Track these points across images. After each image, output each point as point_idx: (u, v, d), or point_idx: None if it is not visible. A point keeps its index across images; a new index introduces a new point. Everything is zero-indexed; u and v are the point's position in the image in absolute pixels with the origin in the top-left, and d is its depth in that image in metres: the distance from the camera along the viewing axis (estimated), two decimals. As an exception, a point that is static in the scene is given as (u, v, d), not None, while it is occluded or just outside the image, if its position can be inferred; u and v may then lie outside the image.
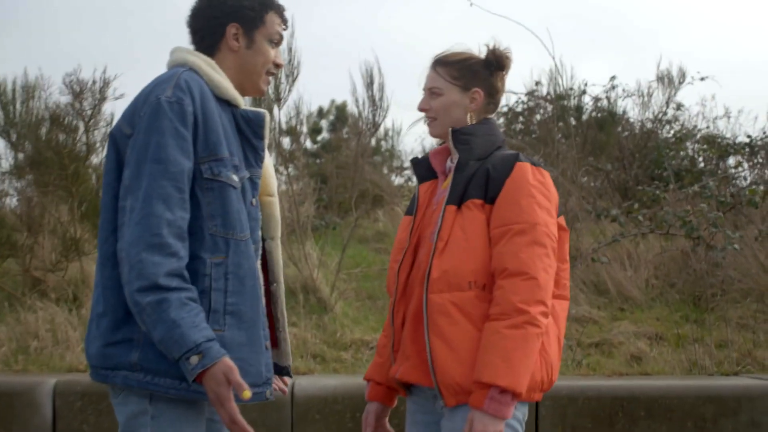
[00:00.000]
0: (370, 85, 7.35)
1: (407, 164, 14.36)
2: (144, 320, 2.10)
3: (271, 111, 7.15)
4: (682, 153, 11.38)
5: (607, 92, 11.92)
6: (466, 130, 2.69)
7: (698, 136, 11.76)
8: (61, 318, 6.46)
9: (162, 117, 2.17)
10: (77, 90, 6.86)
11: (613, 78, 11.89)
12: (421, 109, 2.81)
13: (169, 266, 2.10)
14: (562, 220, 2.70)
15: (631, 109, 12.08)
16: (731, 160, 11.27)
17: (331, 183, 10.68)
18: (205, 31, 2.45)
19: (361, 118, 7.42)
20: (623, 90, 11.94)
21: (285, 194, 8.31)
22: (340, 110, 14.55)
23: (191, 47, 2.49)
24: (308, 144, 14.08)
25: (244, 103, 2.50)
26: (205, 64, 2.37)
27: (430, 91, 2.77)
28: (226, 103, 2.40)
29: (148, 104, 2.20)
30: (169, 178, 2.14)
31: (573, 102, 11.58)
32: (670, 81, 11.51)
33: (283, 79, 7.10)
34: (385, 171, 13.23)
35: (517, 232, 2.47)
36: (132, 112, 2.25)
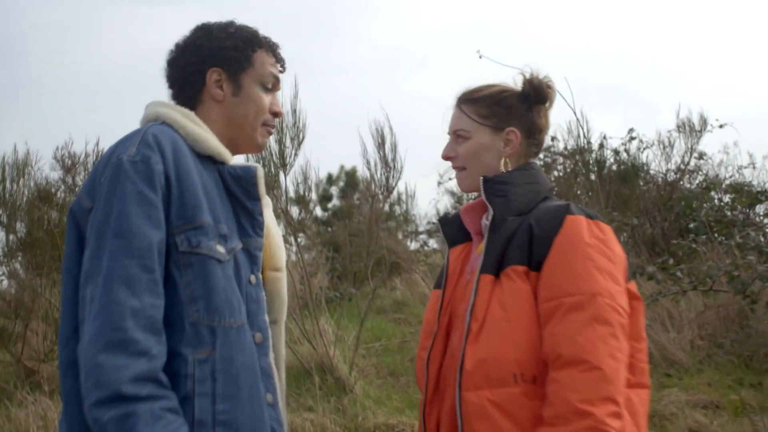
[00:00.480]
0: (381, 145, 6.86)
1: (423, 228, 13.93)
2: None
3: (276, 177, 6.64)
4: (706, 204, 10.88)
5: (625, 144, 11.61)
6: (501, 178, 2.19)
7: (724, 185, 11.32)
8: (54, 413, 5.88)
9: (124, 180, 1.79)
10: (69, 164, 6.40)
11: (631, 130, 11.62)
12: (445, 158, 2.33)
13: (137, 369, 1.66)
14: (633, 286, 2.14)
15: (652, 160, 11.77)
16: (760, 208, 10.77)
17: (344, 251, 10.17)
18: (183, 81, 2.10)
19: (374, 181, 6.89)
20: (641, 141, 11.65)
21: (296, 266, 7.78)
22: (350, 176, 14.20)
23: (170, 102, 2.11)
24: (318, 212, 13.67)
25: (233, 159, 2.09)
26: (181, 115, 2.01)
27: (456, 135, 2.30)
28: (210, 161, 2.01)
29: (109, 167, 1.83)
30: (134, 255, 1.74)
31: (593, 156, 11.14)
32: (691, 129, 11.15)
33: (288, 143, 6.61)
34: (400, 236, 12.73)
35: (573, 306, 1.95)
36: (92, 180, 1.87)
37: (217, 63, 2.06)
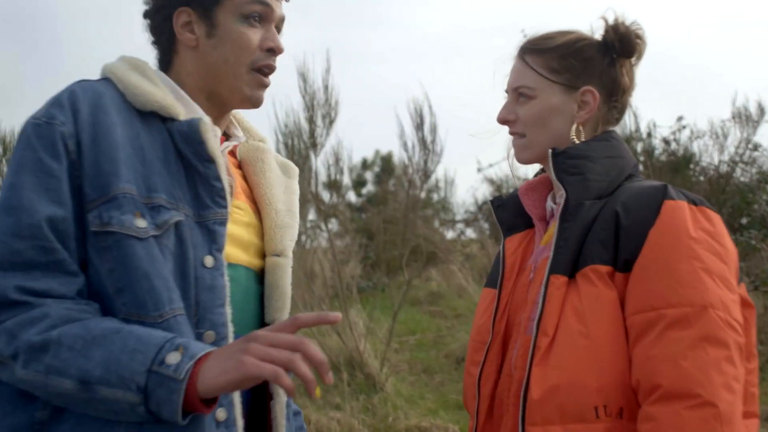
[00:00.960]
0: (420, 125, 6.40)
1: (460, 216, 13.48)
2: (32, 379, 1.40)
3: (306, 158, 6.21)
4: (765, 197, 10.28)
5: (674, 133, 11.05)
6: (575, 151, 1.73)
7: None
8: None
9: (24, 146, 1.51)
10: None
11: (680, 118, 11.02)
12: (501, 120, 1.86)
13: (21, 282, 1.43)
14: (743, 289, 1.69)
15: (704, 150, 11.18)
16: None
17: (378, 239, 9.75)
18: (153, 32, 1.75)
19: (411, 164, 6.43)
20: (692, 131, 11.08)
21: (326, 253, 7.38)
22: (386, 161, 13.78)
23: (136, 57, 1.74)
24: (352, 197, 13.27)
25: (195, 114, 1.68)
26: (127, 66, 1.68)
27: (516, 93, 1.83)
28: (158, 118, 1.63)
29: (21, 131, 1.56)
30: (25, 234, 1.44)
31: (642, 144, 10.59)
32: (747, 118, 10.54)
33: (319, 122, 6.16)
34: (437, 225, 12.30)
35: (676, 321, 1.54)
36: None
37: (184, 1, 1.68)
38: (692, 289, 1.53)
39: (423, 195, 9.94)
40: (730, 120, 10.75)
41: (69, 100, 1.53)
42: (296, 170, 1.92)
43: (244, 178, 1.81)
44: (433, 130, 6.40)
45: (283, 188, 1.84)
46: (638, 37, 1.82)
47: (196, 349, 1.38)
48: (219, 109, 1.73)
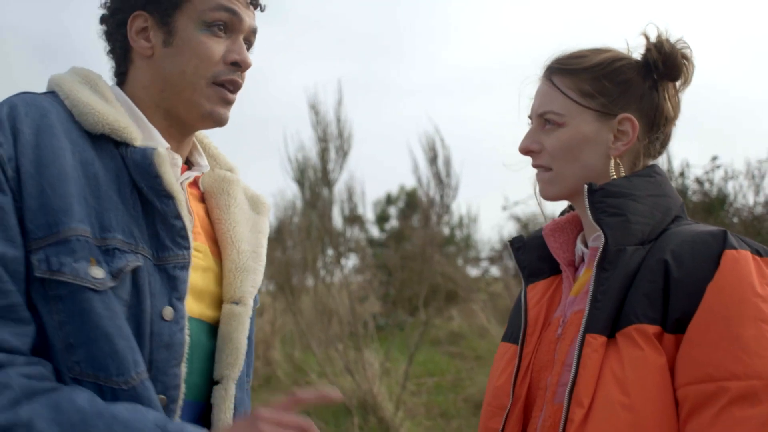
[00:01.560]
0: (433, 159, 6.19)
1: (485, 254, 13.20)
2: None
3: (319, 193, 6.01)
4: (801, 240, 9.94)
5: (708, 173, 10.76)
6: (615, 188, 1.47)
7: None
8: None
9: None
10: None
11: (714, 158, 10.72)
12: (524, 151, 1.60)
13: None
14: None
15: (738, 191, 10.88)
16: None
17: (398, 276, 9.53)
18: (107, 39, 1.54)
19: (427, 199, 6.22)
20: (726, 171, 10.78)
21: (343, 289, 7.16)
22: (410, 196, 13.57)
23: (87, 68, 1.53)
24: (375, 232, 13.08)
25: (153, 140, 1.47)
26: (77, 79, 1.47)
27: (542, 119, 1.57)
28: (111, 142, 1.40)
29: None
30: None
31: (674, 185, 10.33)
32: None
33: (333, 154, 5.97)
34: (460, 262, 12.05)
35: (741, 396, 1.29)
36: None
37: (140, 4, 1.48)
38: (760, 359, 1.29)
39: (446, 231, 9.71)
40: (766, 160, 10.47)
41: (8, 117, 1.31)
42: (268, 206, 1.69)
43: (207, 212, 1.59)
44: (447, 163, 6.20)
45: (249, 226, 1.61)
46: (685, 57, 1.57)
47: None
48: (179, 130, 1.52)
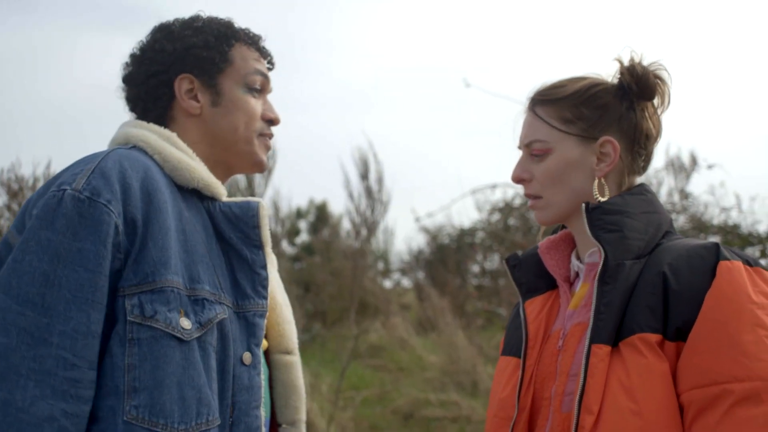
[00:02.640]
0: (365, 175, 6.22)
1: (396, 266, 13.30)
2: None
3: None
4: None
5: (609, 182, 11.19)
6: (611, 206, 1.55)
7: (712, 226, 10.91)
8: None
9: (58, 224, 1.31)
10: (15, 188, 5.64)
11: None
12: (516, 179, 1.69)
13: None
14: None
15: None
16: (753, 251, 10.36)
17: (319, 291, 9.50)
18: (147, 98, 1.64)
19: (358, 215, 6.24)
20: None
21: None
22: (321, 210, 13.54)
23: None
24: (285, 247, 12.97)
25: (225, 194, 1.62)
26: (157, 136, 1.56)
27: (530, 149, 1.66)
28: (196, 195, 1.54)
29: (45, 198, 1.36)
30: (52, 342, 1.27)
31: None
32: (681, 168, 10.73)
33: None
34: (373, 274, 12.10)
35: (744, 397, 1.36)
36: (23, 212, 1.43)
37: (186, 68, 1.63)
38: (760, 362, 1.37)
39: (365, 245, 9.77)
40: (663, 169, 10.95)
41: (117, 172, 1.37)
42: (275, 258, 1.79)
43: None
44: (380, 179, 6.24)
45: (277, 279, 1.72)
46: (657, 77, 1.65)
47: None
48: (222, 177, 1.66)
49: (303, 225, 14.26)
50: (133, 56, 1.67)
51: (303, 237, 14.15)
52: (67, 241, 1.30)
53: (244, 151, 1.63)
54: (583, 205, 1.56)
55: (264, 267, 1.52)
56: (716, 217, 10.87)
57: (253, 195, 6.13)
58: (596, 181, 1.60)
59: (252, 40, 1.70)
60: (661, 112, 1.69)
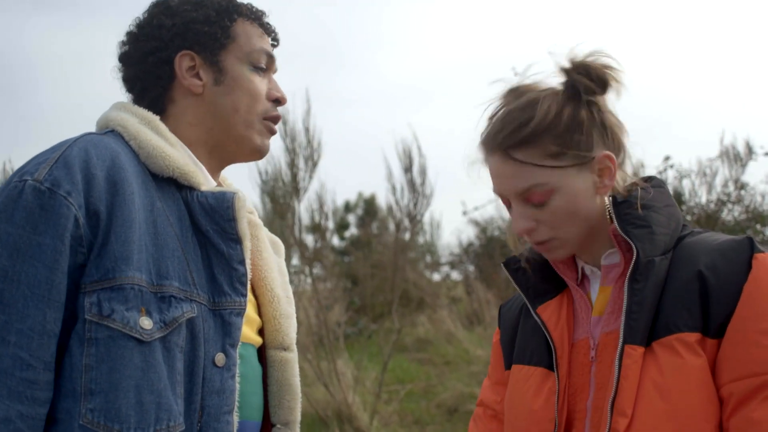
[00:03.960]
0: (409, 167, 6.17)
1: (445, 259, 13.23)
2: None
3: (289, 204, 5.95)
4: (757, 238, 10.15)
5: (661, 173, 10.92)
6: (639, 200, 1.47)
7: (769, 217, 10.59)
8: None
9: (17, 218, 1.25)
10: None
11: (667, 158, 10.90)
12: (525, 233, 1.53)
13: None
14: None
15: (691, 190, 11.05)
16: (811, 243, 10.03)
17: (364, 284, 9.49)
18: (145, 77, 1.55)
19: (399, 208, 6.19)
20: (677, 171, 10.95)
21: (311, 299, 7.10)
22: (369, 203, 13.53)
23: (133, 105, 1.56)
24: (335, 241, 13.02)
25: (208, 183, 1.53)
26: (137, 120, 1.48)
27: (525, 199, 1.51)
28: (173, 185, 1.45)
29: (7, 190, 1.29)
30: (9, 341, 1.21)
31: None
32: (736, 157, 10.43)
33: (302, 165, 5.91)
34: (422, 267, 12.06)
35: None
36: None
37: (186, 44, 1.53)
38: None
39: (408, 238, 9.73)
40: (717, 159, 10.66)
41: (81, 163, 1.30)
42: (283, 247, 1.73)
43: None
44: (423, 171, 6.18)
45: (277, 270, 1.63)
46: (606, 67, 1.52)
47: None
48: (219, 164, 1.59)
49: (352, 219, 14.26)
50: (129, 34, 1.58)
51: (352, 230, 14.16)
52: (26, 235, 1.24)
53: (242, 136, 1.55)
54: (609, 198, 1.49)
55: (242, 262, 1.43)
56: (768, 208, 10.61)
57: (297, 188, 6.12)
58: (607, 199, 1.51)
59: (255, 16, 1.62)
60: (619, 98, 1.54)
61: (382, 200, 11.69)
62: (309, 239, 8.25)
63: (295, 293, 7.22)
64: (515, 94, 1.55)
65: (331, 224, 9.23)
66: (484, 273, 10.92)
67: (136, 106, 1.52)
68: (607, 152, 1.50)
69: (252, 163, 6.49)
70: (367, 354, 7.45)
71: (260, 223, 1.62)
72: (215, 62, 1.54)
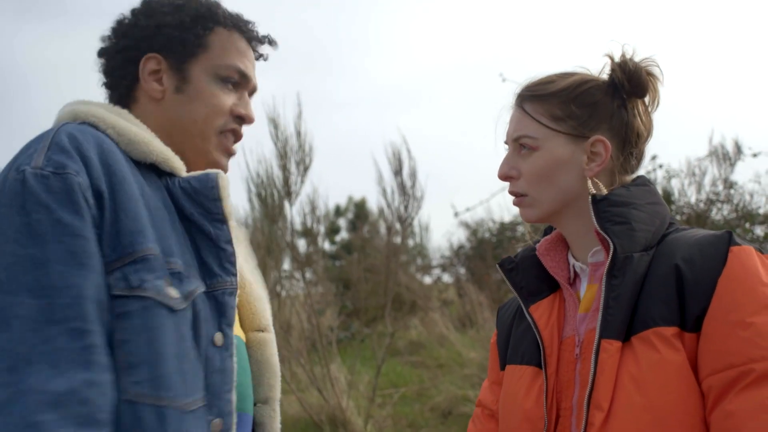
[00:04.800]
0: (399, 171, 6.17)
1: (436, 262, 13.23)
2: None
3: (281, 207, 5.94)
4: (747, 236, 10.19)
5: (649, 173, 10.95)
6: (618, 197, 1.52)
7: (759, 216, 10.64)
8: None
9: (31, 205, 1.22)
10: None
11: (654, 157, 10.93)
12: (503, 177, 1.64)
13: None
14: None
15: (680, 190, 11.08)
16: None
17: (357, 288, 9.49)
18: (114, 73, 1.55)
19: (391, 211, 6.19)
20: (667, 171, 10.99)
21: (303, 303, 7.08)
22: (359, 207, 13.54)
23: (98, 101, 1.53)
24: (326, 245, 12.99)
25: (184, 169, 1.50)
26: (107, 111, 1.45)
27: (517, 144, 1.62)
28: (153, 171, 1.43)
29: (6, 187, 1.26)
30: (57, 319, 1.17)
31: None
32: (725, 157, 10.47)
33: (294, 169, 5.90)
34: (413, 270, 12.05)
35: (763, 376, 1.31)
36: None
37: (154, 47, 1.52)
38: None
39: (400, 241, 9.74)
40: (706, 158, 10.69)
41: (73, 146, 1.28)
42: (247, 234, 1.74)
43: None
44: (413, 174, 6.18)
45: (244, 256, 1.63)
46: (650, 74, 1.60)
47: None
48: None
49: (342, 223, 14.26)
50: (111, 28, 1.57)
51: (343, 234, 14.15)
52: (43, 218, 1.21)
53: (199, 148, 1.52)
54: (590, 196, 1.51)
55: (229, 242, 1.42)
56: (763, 207, 10.66)
57: (289, 192, 6.10)
58: (589, 181, 1.56)
59: (238, 27, 1.57)
60: (652, 111, 1.65)
61: (373, 204, 11.71)
62: (301, 243, 8.25)
63: (287, 298, 7.20)
64: (577, 72, 1.64)
65: (321, 228, 9.23)
66: (476, 275, 10.92)
67: (98, 101, 1.50)
68: (601, 137, 1.56)
69: (243, 166, 6.50)
70: (361, 358, 7.44)
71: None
72: (180, 69, 1.52)
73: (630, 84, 1.58)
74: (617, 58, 1.60)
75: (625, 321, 1.42)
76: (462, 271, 13.00)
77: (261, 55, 1.63)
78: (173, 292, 1.29)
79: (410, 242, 12.67)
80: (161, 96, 1.51)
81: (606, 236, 1.47)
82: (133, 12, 1.55)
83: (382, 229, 7.54)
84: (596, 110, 1.57)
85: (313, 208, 6.36)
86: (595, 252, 1.57)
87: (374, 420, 6.26)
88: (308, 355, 6.63)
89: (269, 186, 6.13)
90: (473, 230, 12.79)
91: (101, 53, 1.57)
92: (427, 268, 12.51)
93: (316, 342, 6.73)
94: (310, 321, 7.06)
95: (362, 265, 9.53)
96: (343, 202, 14.11)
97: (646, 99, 1.62)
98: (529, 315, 1.64)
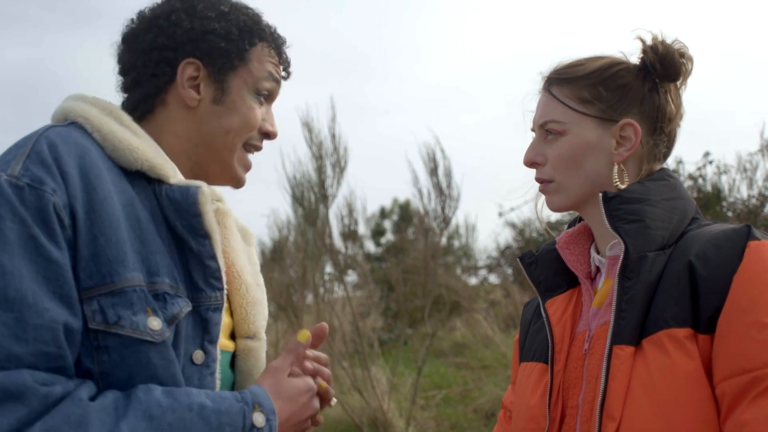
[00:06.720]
0: (434, 170, 6.13)
1: (483, 262, 13.15)
2: None
3: (316, 211, 5.94)
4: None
5: (700, 169, 10.71)
6: (631, 194, 1.44)
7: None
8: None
9: (3, 214, 1.15)
10: None
11: (707, 154, 10.69)
12: (529, 163, 1.58)
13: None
14: None
15: (732, 185, 10.82)
16: None
17: (399, 290, 9.47)
18: (143, 70, 1.46)
19: (427, 212, 6.16)
20: (717, 167, 10.74)
21: (344, 307, 7.09)
22: (404, 209, 13.52)
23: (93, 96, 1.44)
24: (371, 247, 13.01)
25: (178, 175, 1.44)
26: (98, 110, 1.39)
27: (544, 130, 1.55)
28: (143, 178, 1.36)
29: None
30: (27, 338, 1.12)
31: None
32: (776, 150, 10.19)
33: (329, 171, 5.90)
34: (459, 272, 11.98)
35: None
36: None
37: (197, 53, 1.44)
38: None
39: (443, 242, 9.66)
40: (757, 152, 10.42)
41: (53, 158, 1.22)
42: (254, 236, 1.69)
43: None
44: (448, 174, 6.13)
45: (246, 258, 1.58)
46: (683, 56, 1.53)
47: (265, 400, 1.32)
48: (197, 179, 1.49)
49: (388, 224, 14.26)
50: (142, 15, 1.49)
51: (388, 236, 14.14)
52: (16, 228, 1.15)
53: (224, 161, 1.48)
54: (600, 194, 1.45)
55: (213, 257, 1.37)
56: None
57: (325, 195, 6.10)
58: (616, 167, 1.49)
59: (276, 44, 1.54)
60: (682, 90, 1.58)
61: (418, 205, 11.70)
62: (341, 246, 8.25)
63: (329, 301, 7.20)
64: (606, 56, 1.58)
65: (363, 230, 9.21)
66: (522, 275, 10.81)
67: (95, 97, 1.43)
68: (631, 120, 1.50)
69: (281, 170, 6.53)
70: (403, 359, 7.41)
71: (229, 210, 1.57)
72: (221, 80, 1.47)
73: (662, 66, 1.52)
74: (648, 41, 1.53)
75: (637, 325, 1.35)
76: (509, 271, 12.90)
77: (286, 74, 1.59)
78: (155, 324, 1.24)
79: (455, 243, 12.60)
80: (196, 104, 1.45)
81: (616, 235, 1.41)
82: (174, 7, 1.48)
83: (436, 229, 7.48)
84: (626, 93, 1.51)
85: (351, 210, 6.34)
86: (614, 245, 1.51)
87: (416, 421, 6.22)
88: (350, 358, 6.62)
89: (307, 189, 6.15)
90: (520, 230, 12.67)
91: (128, 39, 1.49)
92: (473, 269, 12.43)
93: (358, 345, 6.72)
94: (352, 324, 7.04)
95: (401, 267, 9.50)
96: (388, 204, 14.12)
97: (679, 81, 1.55)
98: (544, 310, 1.59)
